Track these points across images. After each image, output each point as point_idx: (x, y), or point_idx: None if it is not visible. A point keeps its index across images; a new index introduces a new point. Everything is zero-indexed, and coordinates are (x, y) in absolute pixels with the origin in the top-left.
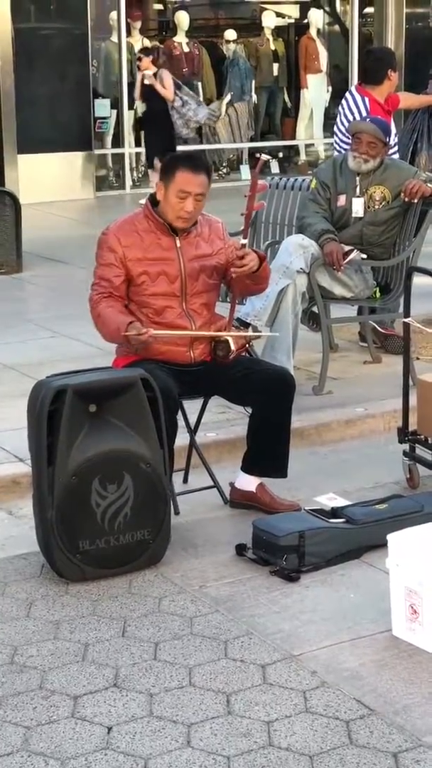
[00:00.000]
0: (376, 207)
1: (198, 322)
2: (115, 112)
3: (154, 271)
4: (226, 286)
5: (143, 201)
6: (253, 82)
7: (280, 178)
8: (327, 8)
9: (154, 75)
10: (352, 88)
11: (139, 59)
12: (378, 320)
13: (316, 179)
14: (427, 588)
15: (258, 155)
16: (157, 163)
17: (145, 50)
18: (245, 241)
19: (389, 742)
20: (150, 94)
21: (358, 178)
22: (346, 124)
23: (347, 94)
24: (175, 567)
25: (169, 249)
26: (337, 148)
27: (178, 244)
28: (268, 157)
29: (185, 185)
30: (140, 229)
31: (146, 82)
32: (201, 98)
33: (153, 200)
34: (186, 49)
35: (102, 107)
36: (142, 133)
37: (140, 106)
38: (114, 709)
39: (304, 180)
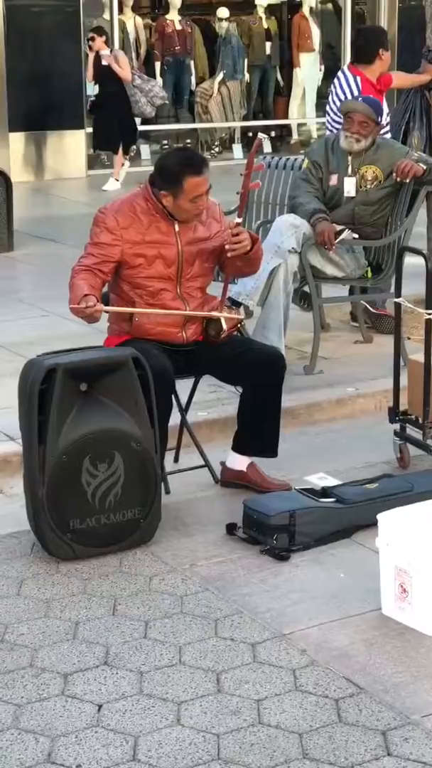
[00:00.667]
0: (368, 186)
1: (192, 305)
2: None
3: (151, 254)
4: (219, 267)
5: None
6: (246, 60)
7: (273, 157)
8: None
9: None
10: (344, 68)
11: (91, 39)
12: (369, 300)
13: (308, 159)
14: (416, 567)
15: (251, 133)
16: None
17: (96, 29)
18: (240, 220)
19: (378, 720)
20: (105, 75)
21: (350, 158)
22: (338, 103)
23: (339, 74)
24: (165, 546)
25: (168, 233)
26: (329, 127)
27: (177, 229)
28: (266, 136)
29: (197, 190)
30: (139, 210)
31: (104, 62)
32: (192, 76)
33: (152, 181)
34: (178, 27)
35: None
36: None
37: (93, 88)
38: (104, 687)
39: (296, 159)
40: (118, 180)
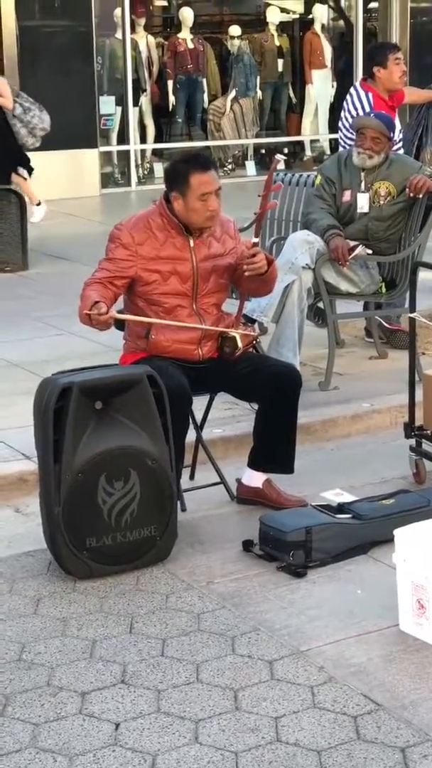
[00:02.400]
0: (381, 202)
1: (208, 321)
2: (120, 109)
3: (166, 270)
4: (233, 284)
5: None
6: (258, 77)
7: (286, 174)
8: (331, 3)
9: None
10: (357, 84)
11: None
12: (384, 315)
13: (321, 175)
14: None
15: (263, 150)
16: (17, 178)
17: None
18: (257, 240)
19: (397, 737)
20: None
21: (362, 174)
22: (351, 119)
23: (351, 90)
24: (182, 563)
25: (183, 249)
26: (342, 143)
27: (192, 244)
28: (284, 156)
29: (203, 187)
30: (154, 226)
31: None
32: (205, 93)
33: (168, 198)
34: (190, 45)
35: (107, 104)
36: None
37: None
38: (122, 705)
39: (309, 176)
40: (39, 203)
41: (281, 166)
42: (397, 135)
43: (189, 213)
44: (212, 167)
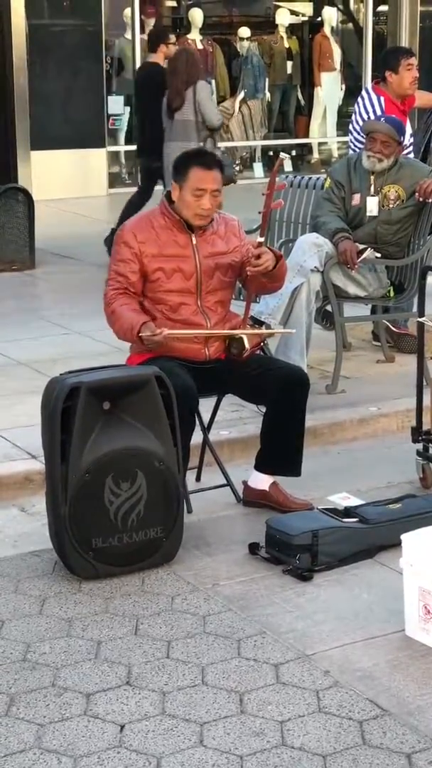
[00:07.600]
0: (391, 206)
1: (213, 320)
2: (128, 109)
3: (170, 268)
4: (241, 284)
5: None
6: (267, 79)
7: (294, 176)
8: (341, 6)
9: None
10: (369, 87)
11: None
12: (391, 319)
13: (330, 178)
14: None
15: (271, 152)
16: None
17: None
18: (262, 239)
19: (403, 742)
20: None
21: (372, 177)
22: (361, 123)
23: (363, 93)
24: (188, 565)
25: (185, 246)
26: (353, 146)
27: (194, 242)
28: (287, 156)
29: (200, 183)
30: (156, 225)
31: None
32: (214, 95)
33: (169, 197)
34: (199, 46)
35: (115, 104)
36: None
37: None
38: (126, 707)
39: (318, 178)
40: None
41: (288, 167)
42: (407, 139)
43: (181, 205)
44: (216, 167)
